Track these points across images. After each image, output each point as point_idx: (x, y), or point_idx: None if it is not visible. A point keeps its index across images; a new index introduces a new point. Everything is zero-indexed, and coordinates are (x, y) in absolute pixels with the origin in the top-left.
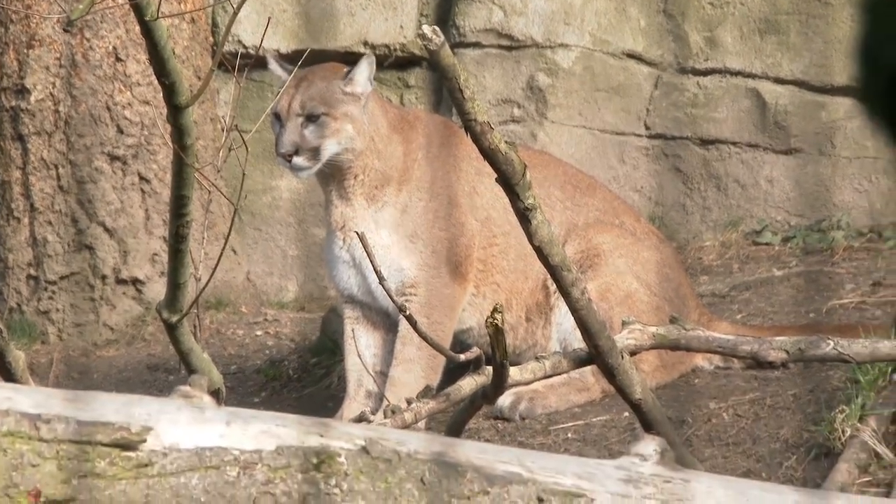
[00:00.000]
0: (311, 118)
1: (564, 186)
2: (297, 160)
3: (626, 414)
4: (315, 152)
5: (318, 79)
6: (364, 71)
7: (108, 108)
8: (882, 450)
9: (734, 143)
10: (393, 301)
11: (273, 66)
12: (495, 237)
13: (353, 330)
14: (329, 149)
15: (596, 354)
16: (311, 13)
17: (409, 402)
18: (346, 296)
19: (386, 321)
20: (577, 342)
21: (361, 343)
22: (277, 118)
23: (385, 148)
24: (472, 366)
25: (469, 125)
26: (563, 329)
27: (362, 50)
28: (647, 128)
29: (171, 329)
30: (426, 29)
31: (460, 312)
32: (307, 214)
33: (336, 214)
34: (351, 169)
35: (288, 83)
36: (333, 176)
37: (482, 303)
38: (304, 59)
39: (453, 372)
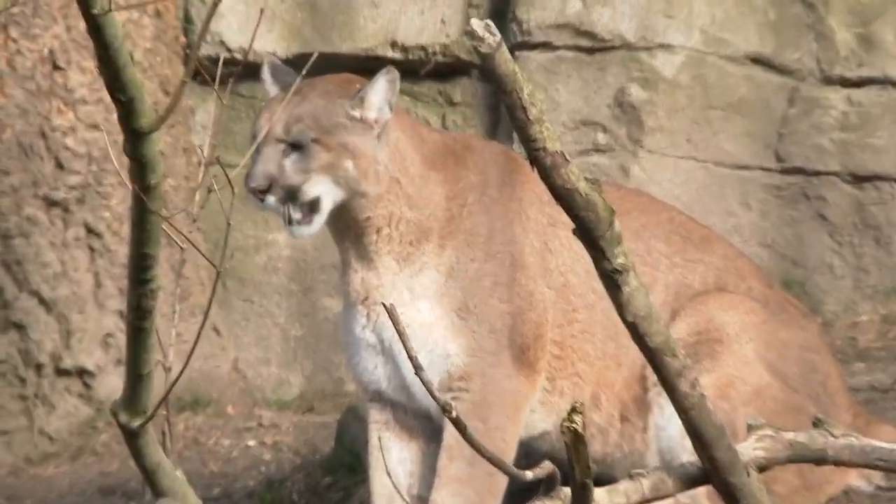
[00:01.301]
0: (296, 146)
1: (669, 239)
2: (270, 200)
3: None
4: (293, 194)
5: (315, 94)
6: (381, 90)
7: (44, 135)
8: None
9: None
10: (435, 399)
11: (266, 74)
12: (576, 311)
13: (381, 439)
14: (314, 191)
15: (712, 470)
16: (318, 3)
17: None
18: (371, 392)
19: (426, 427)
20: (687, 453)
21: (393, 457)
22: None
23: (419, 191)
24: (544, 486)
25: (536, 156)
26: (667, 435)
27: (389, 53)
28: (780, 159)
29: (132, 438)
30: (476, 25)
31: (528, 414)
32: (316, 280)
33: (356, 281)
34: (370, 220)
35: (275, 97)
36: (348, 228)
37: (558, 401)
38: (309, 67)
39: (519, 495)
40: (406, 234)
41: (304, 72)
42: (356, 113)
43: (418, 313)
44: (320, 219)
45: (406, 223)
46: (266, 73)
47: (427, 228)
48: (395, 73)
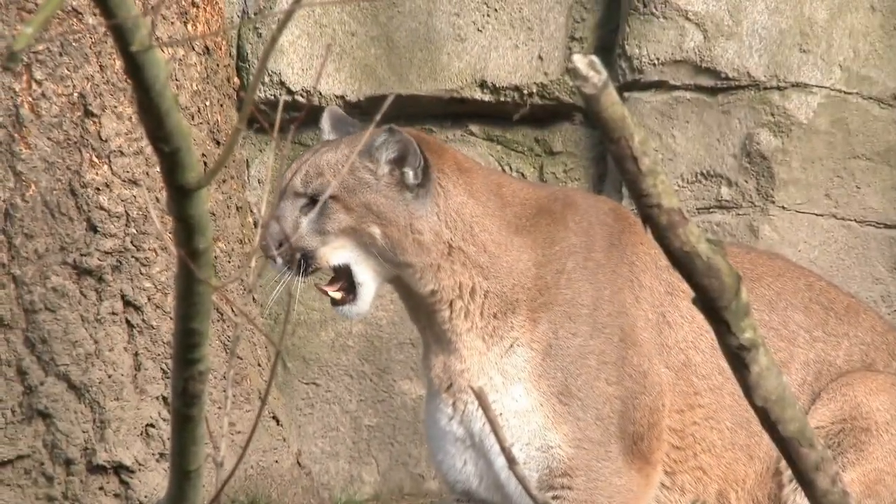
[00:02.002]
0: (315, 201)
1: (809, 309)
2: (278, 263)
3: None
4: (307, 259)
5: (345, 144)
6: (413, 156)
7: (73, 192)
8: None
9: None
10: (533, 498)
11: (325, 123)
12: (699, 394)
13: None
14: (334, 258)
15: None
16: (394, 38)
17: None
18: (459, 492)
19: None
20: None
21: None
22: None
23: (495, 260)
24: None
25: (649, 214)
26: None
27: (477, 94)
28: None
29: None
30: (579, 61)
31: None
32: (392, 359)
33: (437, 366)
34: (436, 293)
35: (313, 148)
36: (418, 304)
37: (679, 499)
38: (384, 111)
39: None
40: (488, 307)
41: (377, 118)
42: (371, 167)
43: (512, 400)
44: (365, 295)
45: (484, 294)
46: (325, 123)
47: (513, 300)
48: (414, 146)
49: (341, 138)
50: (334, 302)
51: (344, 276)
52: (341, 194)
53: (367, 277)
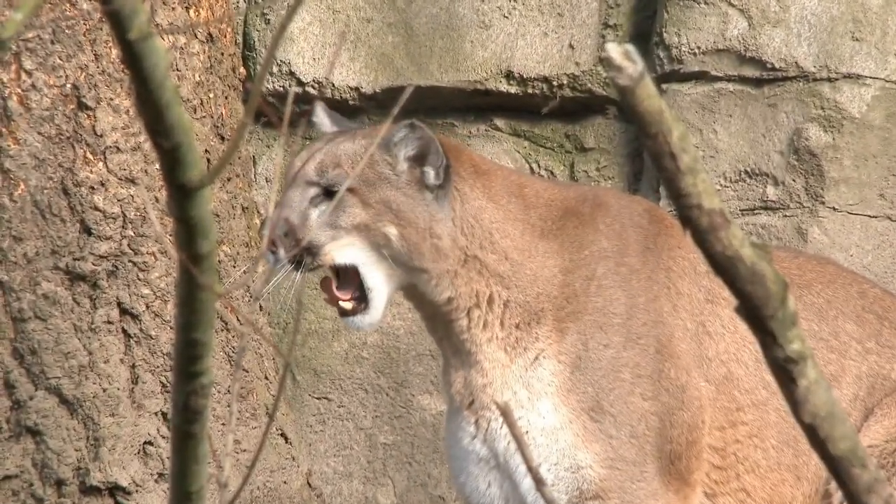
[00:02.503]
0: (329, 192)
1: (862, 318)
2: (280, 255)
3: None
4: (311, 254)
5: (363, 135)
6: (435, 154)
7: (66, 192)
8: None
9: None
10: None
11: (321, 116)
12: (741, 410)
13: None
14: (340, 256)
15: None
16: (413, 25)
17: None
18: None
19: None
20: None
21: None
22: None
23: (517, 268)
24: None
25: (688, 216)
26: None
27: (503, 86)
28: None
29: None
30: (614, 51)
31: None
32: (410, 372)
33: (458, 382)
34: (453, 301)
35: (321, 138)
36: (434, 314)
37: None
38: (402, 103)
39: None
40: (509, 317)
41: (395, 110)
42: (390, 162)
43: (539, 417)
44: (377, 302)
45: (504, 303)
46: (321, 116)
47: (537, 310)
48: (439, 150)
49: (357, 129)
50: (344, 312)
51: (353, 283)
52: (360, 188)
53: (378, 282)
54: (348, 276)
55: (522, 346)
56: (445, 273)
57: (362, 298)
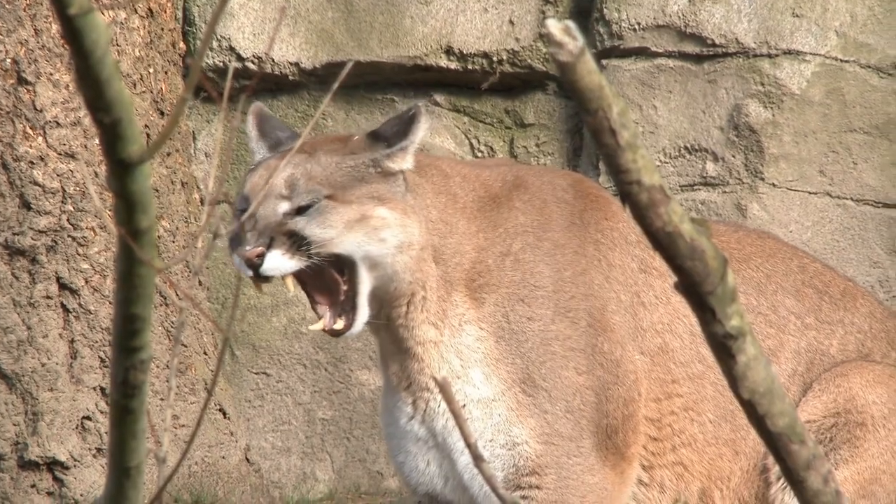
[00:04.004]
0: (302, 208)
1: (801, 293)
2: (273, 257)
3: None
4: (309, 245)
5: (322, 151)
6: (422, 131)
7: (5, 166)
8: None
9: None
10: (500, 498)
11: (251, 127)
12: (676, 382)
13: None
14: (345, 247)
15: None
16: (353, 0)
17: None
18: (422, 493)
19: None
20: None
21: None
22: (244, 204)
23: (445, 242)
24: None
25: (628, 191)
26: None
27: (443, 62)
28: None
29: None
30: (554, 27)
31: None
32: (349, 347)
33: (394, 365)
34: (399, 289)
35: (266, 158)
36: (381, 308)
37: (658, 497)
38: (343, 78)
39: None
40: (438, 291)
41: (335, 86)
42: (394, 165)
43: (473, 388)
44: (362, 313)
45: (437, 280)
46: (251, 126)
47: (452, 280)
48: (421, 108)
49: (307, 147)
50: (334, 333)
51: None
52: (336, 193)
53: (365, 287)
54: (333, 286)
55: (447, 315)
56: (411, 259)
57: (350, 310)
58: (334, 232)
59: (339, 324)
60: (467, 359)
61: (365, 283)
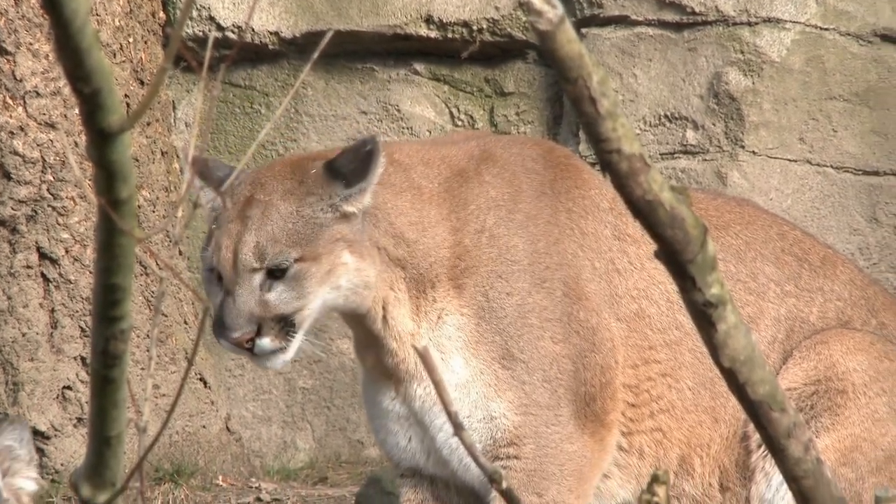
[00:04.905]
0: (275, 272)
1: (781, 260)
2: (264, 343)
3: None
4: (290, 322)
5: (277, 198)
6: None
7: None
8: None
9: None
10: (480, 466)
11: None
12: (654, 349)
13: None
14: (315, 306)
15: None
16: None
17: None
18: (404, 468)
19: None
20: None
21: None
22: (213, 277)
23: (414, 246)
24: None
25: (608, 160)
26: None
27: (423, 31)
28: None
29: None
30: None
31: (599, 481)
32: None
33: (370, 359)
34: (368, 313)
35: (221, 220)
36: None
37: (638, 463)
38: (322, 48)
39: None
40: (410, 290)
41: (315, 55)
42: (352, 208)
43: (452, 374)
44: (297, 342)
45: (406, 282)
46: (194, 180)
47: (432, 276)
48: (378, 143)
49: (259, 195)
50: (259, 349)
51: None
52: (305, 252)
53: (312, 322)
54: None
55: (424, 311)
56: (373, 283)
57: (287, 335)
58: (311, 296)
59: (272, 344)
60: (448, 349)
61: (309, 325)
